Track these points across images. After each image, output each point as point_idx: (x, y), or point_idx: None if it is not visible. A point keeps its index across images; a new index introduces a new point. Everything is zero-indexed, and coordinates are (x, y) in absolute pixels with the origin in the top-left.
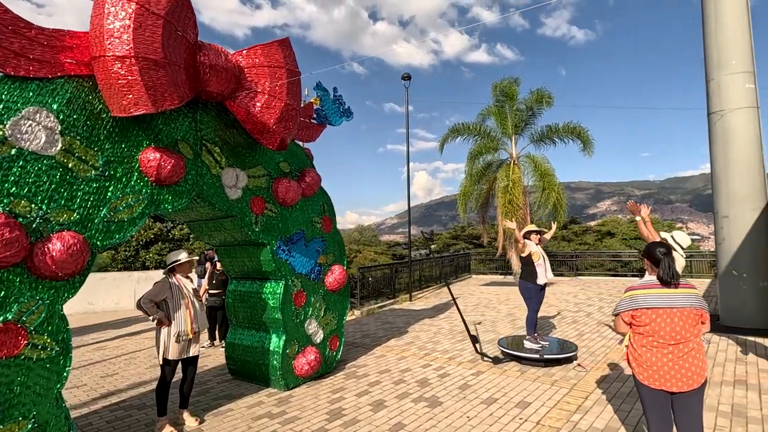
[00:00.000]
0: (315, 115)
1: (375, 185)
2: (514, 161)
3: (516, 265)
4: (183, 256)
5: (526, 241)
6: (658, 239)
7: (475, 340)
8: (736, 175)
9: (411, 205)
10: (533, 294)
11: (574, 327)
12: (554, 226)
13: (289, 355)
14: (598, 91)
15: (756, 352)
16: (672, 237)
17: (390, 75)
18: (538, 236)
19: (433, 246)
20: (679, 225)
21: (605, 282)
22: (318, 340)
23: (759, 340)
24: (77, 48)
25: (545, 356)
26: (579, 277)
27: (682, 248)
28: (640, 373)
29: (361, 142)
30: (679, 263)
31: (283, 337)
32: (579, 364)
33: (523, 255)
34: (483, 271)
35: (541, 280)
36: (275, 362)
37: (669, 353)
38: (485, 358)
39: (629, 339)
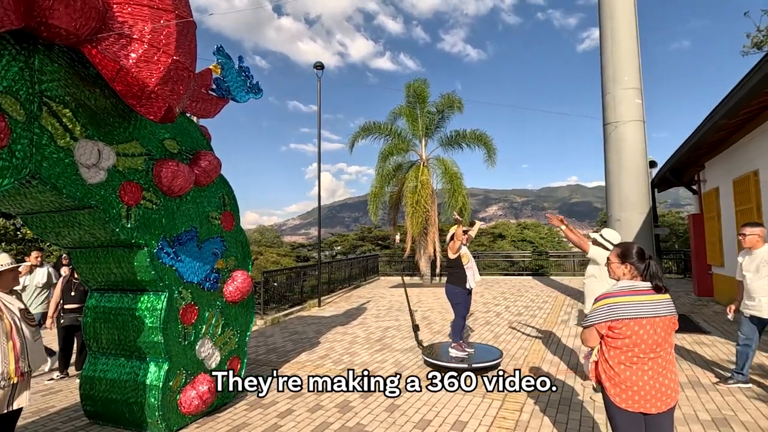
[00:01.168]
0: (215, 86)
1: (277, 185)
2: (423, 163)
3: (424, 266)
4: (4, 261)
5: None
6: (588, 242)
7: (416, 329)
8: (627, 181)
9: (308, 209)
10: (461, 299)
11: (489, 329)
12: (477, 224)
13: (173, 388)
14: (487, 106)
15: None
16: (601, 235)
17: (295, 72)
18: (465, 236)
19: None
20: (557, 229)
21: (504, 281)
22: (213, 365)
23: None
24: None
25: (473, 365)
26: (481, 277)
27: (612, 244)
28: (617, 395)
29: (263, 140)
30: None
31: (165, 366)
32: (503, 370)
33: (452, 257)
34: (390, 272)
35: (470, 284)
36: (153, 399)
37: (649, 369)
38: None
39: (599, 354)
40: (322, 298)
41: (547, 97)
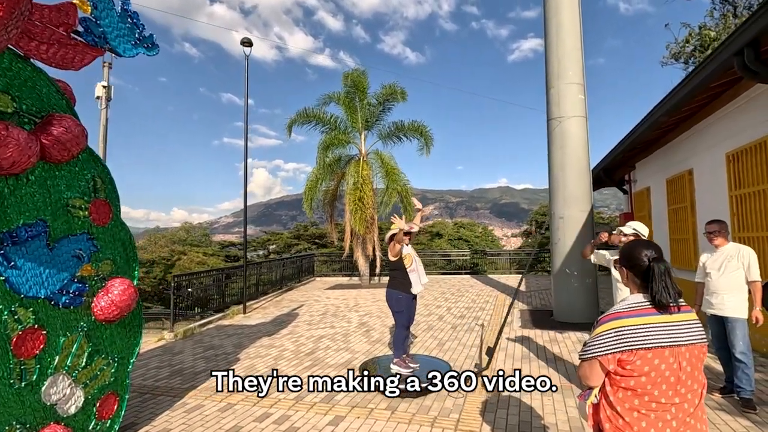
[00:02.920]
0: (82, 29)
1: (208, 181)
2: (363, 157)
3: (362, 266)
4: None
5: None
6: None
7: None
8: (571, 177)
9: (249, 204)
10: (404, 306)
11: (432, 335)
12: (419, 215)
13: None
14: (430, 109)
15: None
16: (634, 229)
17: (229, 63)
18: (410, 237)
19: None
20: (491, 227)
21: (444, 281)
22: (72, 410)
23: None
24: None
25: (421, 385)
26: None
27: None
28: None
29: (193, 132)
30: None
31: None
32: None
33: (393, 259)
34: (327, 272)
35: (416, 288)
36: None
37: (672, 419)
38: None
39: (601, 396)
40: (250, 303)
41: (482, 100)
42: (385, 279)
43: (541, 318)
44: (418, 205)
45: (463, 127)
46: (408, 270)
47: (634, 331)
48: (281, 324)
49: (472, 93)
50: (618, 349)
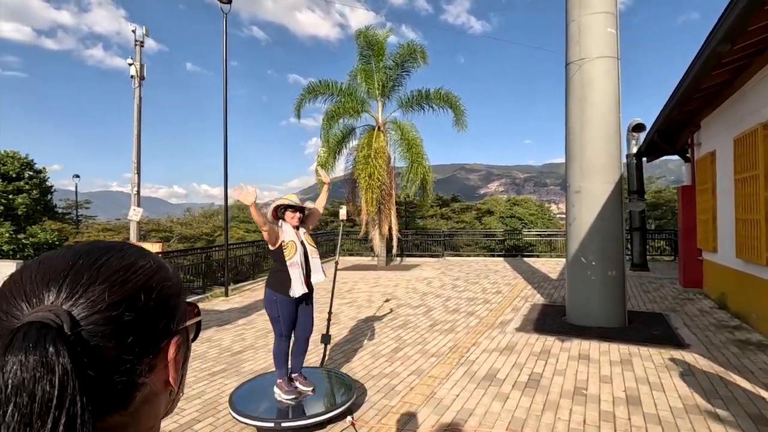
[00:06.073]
0: None
1: (277, 160)
2: (379, 126)
3: (378, 246)
4: None
5: (273, 223)
6: None
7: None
8: (592, 139)
9: (310, 184)
10: (283, 311)
11: (396, 336)
12: (326, 188)
13: None
14: (490, 84)
15: (597, 364)
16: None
17: (294, 44)
18: (297, 215)
19: None
20: (561, 205)
21: (474, 263)
22: None
23: (603, 345)
24: None
25: (283, 424)
26: (446, 258)
27: None
28: None
29: (262, 114)
30: None
31: None
32: (353, 423)
33: (272, 247)
34: (349, 252)
35: (297, 290)
36: None
37: None
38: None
39: None
40: (240, 285)
41: (551, 64)
42: (408, 260)
43: (549, 317)
44: (325, 179)
45: (528, 97)
46: (288, 263)
47: None
48: (249, 311)
49: (550, 51)
50: None
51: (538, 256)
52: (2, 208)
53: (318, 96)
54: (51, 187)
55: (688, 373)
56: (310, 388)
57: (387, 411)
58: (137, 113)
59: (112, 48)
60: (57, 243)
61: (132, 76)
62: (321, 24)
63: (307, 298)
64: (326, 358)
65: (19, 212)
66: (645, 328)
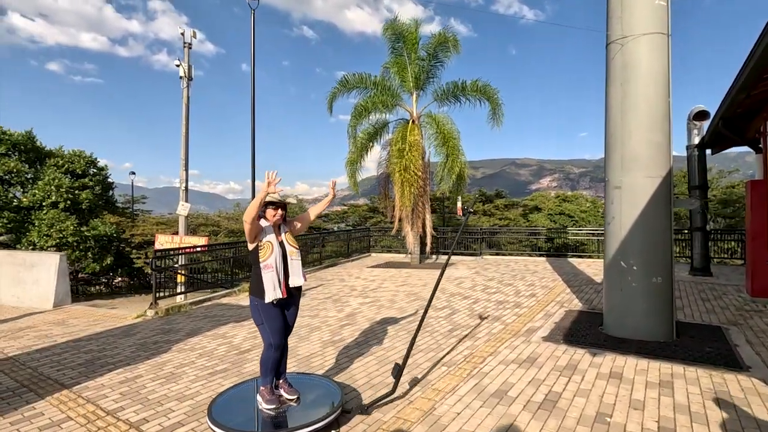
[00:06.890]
0: None
1: (327, 156)
2: (413, 120)
3: (411, 243)
4: None
5: (256, 222)
6: None
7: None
8: (636, 128)
9: (364, 177)
10: (266, 317)
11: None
12: (328, 199)
13: None
14: (544, 74)
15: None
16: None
17: (342, 42)
18: (279, 212)
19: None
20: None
21: (513, 262)
22: None
23: (641, 362)
24: None
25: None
26: (483, 257)
27: None
28: None
29: (311, 112)
30: None
31: None
32: None
33: (250, 246)
34: (384, 248)
35: (270, 294)
36: None
37: None
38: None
39: None
40: None
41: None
42: (443, 258)
43: (583, 326)
44: (332, 191)
45: (584, 87)
46: (261, 265)
47: None
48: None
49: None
50: None
51: (589, 257)
52: (69, 203)
53: (352, 90)
54: (112, 183)
55: (744, 404)
56: (294, 397)
57: (377, 427)
58: (185, 112)
59: (175, 53)
60: (115, 235)
61: (180, 77)
62: (369, 21)
63: (290, 303)
64: (395, 391)
65: (84, 207)
66: (696, 344)
